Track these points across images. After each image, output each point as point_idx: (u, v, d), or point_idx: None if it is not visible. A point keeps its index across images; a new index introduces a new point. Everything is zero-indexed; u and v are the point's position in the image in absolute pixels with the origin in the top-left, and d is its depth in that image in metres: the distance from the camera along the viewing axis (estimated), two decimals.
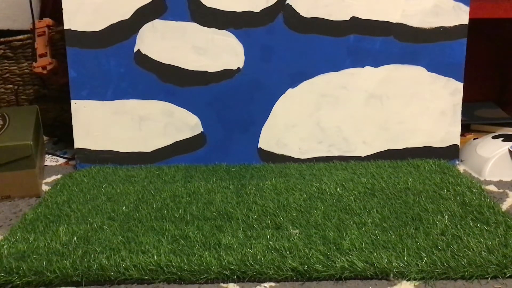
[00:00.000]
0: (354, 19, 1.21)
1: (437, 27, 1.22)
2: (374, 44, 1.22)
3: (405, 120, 1.25)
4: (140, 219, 0.97)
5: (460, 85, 1.24)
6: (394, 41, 1.22)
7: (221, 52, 1.23)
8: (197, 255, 0.83)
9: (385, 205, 1.00)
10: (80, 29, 1.22)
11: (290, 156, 1.26)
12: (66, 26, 1.22)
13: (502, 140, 1.20)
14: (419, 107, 1.25)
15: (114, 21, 1.22)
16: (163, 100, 1.25)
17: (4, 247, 0.87)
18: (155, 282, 0.79)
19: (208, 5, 1.21)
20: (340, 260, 0.80)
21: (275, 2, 1.21)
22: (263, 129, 1.26)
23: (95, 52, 1.22)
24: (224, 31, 1.22)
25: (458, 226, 0.92)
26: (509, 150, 1.15)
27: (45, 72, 1.32)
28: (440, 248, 0.84)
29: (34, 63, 1.33)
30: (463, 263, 0.80)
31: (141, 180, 1.16)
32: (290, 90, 1.25)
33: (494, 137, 1.24)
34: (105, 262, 0.81)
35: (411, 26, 1.22)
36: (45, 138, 1.39)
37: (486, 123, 1.39)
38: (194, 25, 1.22)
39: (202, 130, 1.26)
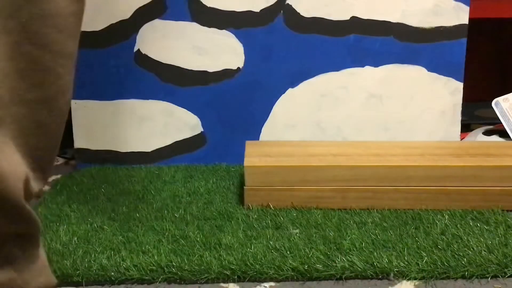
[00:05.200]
0: (354, 19, 1.21)
1: (437, 27, 1.22)
2: (374, 44, 1.22)
3: (405, 120, 1.25)
4: (140, 219, 0.97)
5: (460, 85, 1.24)
6: (394, 41, 1.22)
7: (221, 52, 1.23)
8: (197, 255, 0.83)
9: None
10: None
11: None
12: None
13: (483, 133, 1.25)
14: (419, 107, 1.25)
15: (114, 21, 1.22)
16: (163, 100, 1.25)
17: None
18: (155, 282, 0.79)
19: (208, 5, 1.21)
20: (340, 259, 0.80)
21: (275, 2, 1.21)
22: (263, 129, 1.26)
23: (95, 52, 1.22)
24: (224, 31, 1.22)
25: (458, 225, 0.92)
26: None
27: None
28: (440, 248, 0.84)
29: None
30: (463, 262, 0.80)
31: (141, 180, 1.16)
32: (290, 90, 1.25)
33: (484, 133, 1.28)
34: (106, 262, 0.81)
35: (411, 26, 1.22)
36: None
37: (486, 123, 1.39)
38: (194, 25, 1.22)
39: (202, 130, 1.26)
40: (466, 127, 1.37)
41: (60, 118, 0.61)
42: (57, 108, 0.59)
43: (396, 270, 0.79)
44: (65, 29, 0.57)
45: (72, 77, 0.60)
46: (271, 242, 0.86)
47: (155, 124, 1.26)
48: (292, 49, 1.23)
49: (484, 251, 0.83)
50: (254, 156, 1.05)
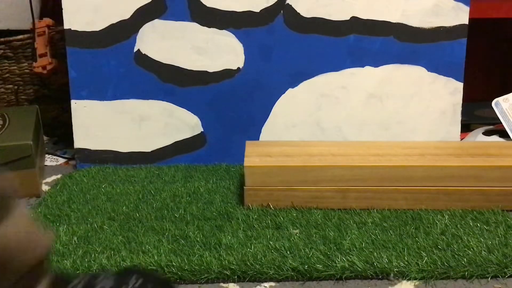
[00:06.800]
0: (354, 19, 1.21)
1: (437, 27, 1.22)
2: (374, 44, 1.22)
3: (405, 120, 1.25)
4: (140, 219, 0.97)
5: (460, 85, 1.24)
6: (394, 41, 1.22)
7: (221, 52, 1.23)
8: (197, 255, 0.83)
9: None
10: (80, 29, 1.22)
11: None
12: (66, 26, 1.22)
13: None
14: (419, 107, 1.25)
15: (114, 21, 1.22)
16: (163, 100, 1.25)
17: None
18: None
19: (208, 5, 1.21)
20: (340, 260, 0.80)
21: (275, 2, 1.21)
22: (263, 129, 1.26)
23: (95, 52, 1.22)
24: (224, 31, 1.22)
25: (458, 225, 0.92)
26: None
27: (45, 72, 1.32)
28: (440, 248, 0.84)
29: (34, 63, 1.33)
30: (463, 262, 0.80)
31: (141, 180, 1.16)
32: (290, 90, 1.25)
33: (484, 133, 1.28)
34: (106, 262, 0.81)
35: (411, 26, 1.22)
36: (45, 138, 1.39)
37: (486, 123, 1.39)
38: (194, 25, 1.22)
39: (202, 130, 1.26)
40: (466, 127, 1.36)
41: None
42: None
43: (396, 270, 0.79)
44: None
45: None
46: (271, 242, 0.86)
47: (155, 124, 1.26)
48: (292, 49, 1.23)
49: (484, 251, 0.83)
50: (254, 156, 1.05)
